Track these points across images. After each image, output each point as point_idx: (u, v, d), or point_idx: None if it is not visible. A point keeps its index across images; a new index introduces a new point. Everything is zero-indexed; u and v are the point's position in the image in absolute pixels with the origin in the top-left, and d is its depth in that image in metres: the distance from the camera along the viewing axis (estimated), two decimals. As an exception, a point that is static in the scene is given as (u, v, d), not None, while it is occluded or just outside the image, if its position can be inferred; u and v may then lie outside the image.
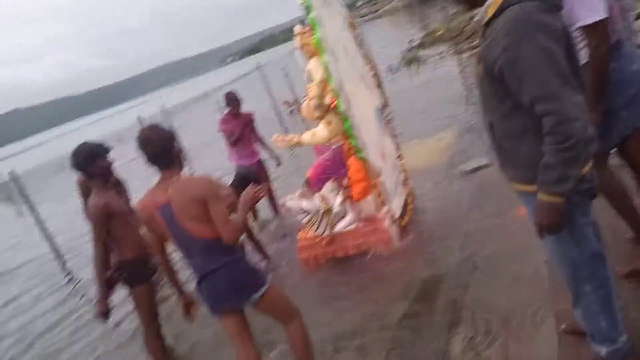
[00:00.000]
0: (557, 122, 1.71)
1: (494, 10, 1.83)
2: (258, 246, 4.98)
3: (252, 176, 4.03)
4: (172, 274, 2.86)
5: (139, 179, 6.24)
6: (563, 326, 2.58)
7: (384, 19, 48.29)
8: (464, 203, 4.68)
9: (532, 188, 1.91)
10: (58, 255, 8.25)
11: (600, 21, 2.34)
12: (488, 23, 1.87)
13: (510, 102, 1.88)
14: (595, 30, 2.37)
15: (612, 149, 2.69)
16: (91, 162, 3.31)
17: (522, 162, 1.96)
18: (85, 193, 5.04)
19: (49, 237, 8.58)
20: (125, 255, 3.39)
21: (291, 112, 14.96)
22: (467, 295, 3.34)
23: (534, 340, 2.68)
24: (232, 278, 2.62)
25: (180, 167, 2.70)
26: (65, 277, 7.55)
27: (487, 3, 1.87)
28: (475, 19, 2.00)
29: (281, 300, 2.83)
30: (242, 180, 3.91)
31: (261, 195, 2.85)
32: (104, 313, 3.37)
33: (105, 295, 3.36)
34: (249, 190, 2.79)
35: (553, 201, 1.82)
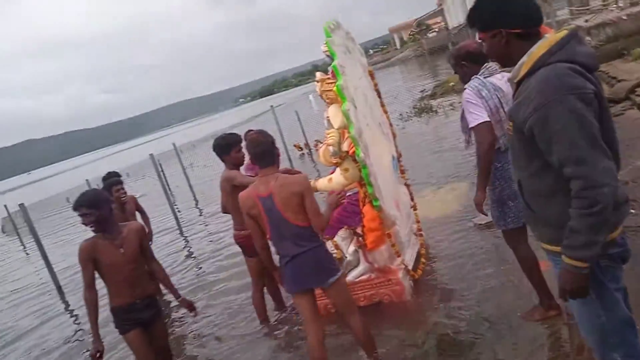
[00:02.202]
0: (584, 187, 1.69)
1: (526, 70, 1.83)
2: (277, 292, 4.84)
3: None
4: (270, 258, 3.33)
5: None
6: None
7: (396, 67, 49.25)
8: (478, 257, 4.58)
9: (558, 249, 1.85)
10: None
11: (480, 125, 3.01)
12: (520, 81, 1.88)
13: (539, 161, 1.86)
14: (478, 131, 3.03)
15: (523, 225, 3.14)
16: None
17: (550, 222, 1.92)
18: None
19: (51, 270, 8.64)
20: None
21: (302, 155, 15.08)
22: (484, 355, 3.22)
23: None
24: (316, 260, 3.09)
25: (278, 166, 3.16)
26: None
27: (520, 62, 1.87)
28: (508, 77, 2.01)
29: (347, 291, 3.30)
30: None
31: (343, 200, 3.37)
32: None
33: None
34: (334, 195, 3.30)
35: (578, 265, 1.77)
